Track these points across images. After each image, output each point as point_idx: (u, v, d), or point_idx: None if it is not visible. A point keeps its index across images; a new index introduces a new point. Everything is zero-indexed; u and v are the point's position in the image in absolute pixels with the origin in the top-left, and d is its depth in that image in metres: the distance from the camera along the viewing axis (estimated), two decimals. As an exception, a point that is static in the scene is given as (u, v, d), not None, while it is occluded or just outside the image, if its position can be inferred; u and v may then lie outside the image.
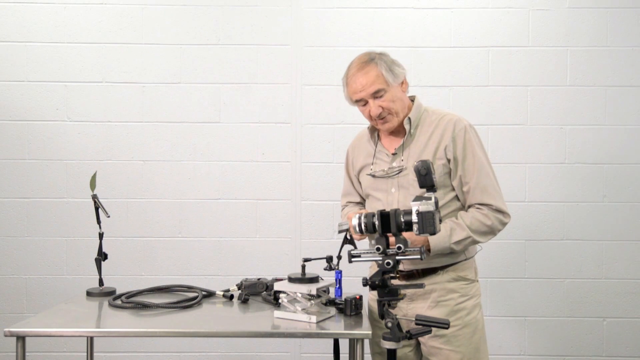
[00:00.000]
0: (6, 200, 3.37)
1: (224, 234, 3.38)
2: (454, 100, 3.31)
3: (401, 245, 1.74)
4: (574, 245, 3.34)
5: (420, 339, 2.13)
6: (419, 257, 1.75)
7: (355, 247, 1.89)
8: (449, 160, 2.09)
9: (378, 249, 1.76)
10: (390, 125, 2.13)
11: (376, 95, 2.08)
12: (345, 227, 2.03)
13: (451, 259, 2.11)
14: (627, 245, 3.34)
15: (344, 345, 2.21)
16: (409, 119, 2.13)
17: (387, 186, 2.14)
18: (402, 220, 1.75)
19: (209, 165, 3.39)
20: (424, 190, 1.76)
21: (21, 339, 1.92)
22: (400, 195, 2.11)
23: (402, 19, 3.37)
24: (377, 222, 1.77)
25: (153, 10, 3.37)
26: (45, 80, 3.37)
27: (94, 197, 2.51)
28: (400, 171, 2.11)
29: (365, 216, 1.80)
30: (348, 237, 2.05)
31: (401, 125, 2.15)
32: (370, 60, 2.10)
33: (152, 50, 3.38)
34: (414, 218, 1.70)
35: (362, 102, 2.12)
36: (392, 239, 1.81)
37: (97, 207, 2.51)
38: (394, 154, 2.16)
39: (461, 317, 2.10)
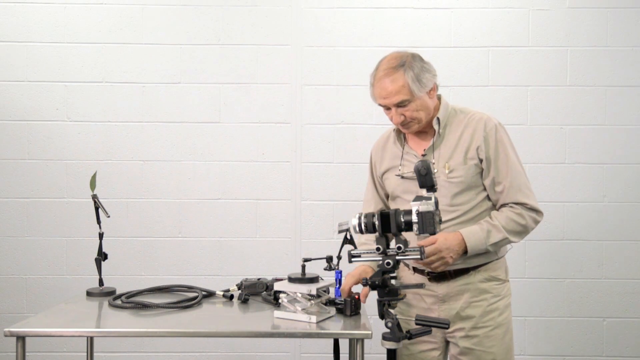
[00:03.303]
0: (6, 200, 3.37)
1: (224, 234, 3.38)
2: (454, 101, 3.27)
3: (401, 245, 1.74)
4: (574, 245, 3.34)
5: (451, 340, 2.13)
6: (419, 257, 1.75)
7: (355, 247, 1.89)
8: (481, 160, 2.07)
9: (378, 249, 1.76)
10: (412, 130, 2.11)
11: (399, 105, 2.04)
12: (345, 227, 2.03)
13: (484, 259, 2.09)
14: (627, 245, 3.34)
15: (344, 345, 2.21)
16: (438, 119, 2.11)
17: (418, 187, 2.10)
18: (402, 220, 1.75)
19: (209, 165, 3.39)
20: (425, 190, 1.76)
21: (21, 339, 1.92)
22: None
23: (402, 19, 3.37)
24: (377, 222, 1.77)
25: (153, 10, 3.38)
26: (45, 80, 3.37)
27: (94, 197, 2.51)
28: None
29: (366, 216, 1.79)
30: (348, 237, 2.05)
31: (428, 126, 2.13)
32: (399, 65, 2.05)
33: (152, 50, 3.38)
34: (414, 218, 1.70)
35: (385, 107, 2.10)
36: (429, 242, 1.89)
37: (97, 207, 2.51)
38: (423, 155, 2.13)
39: (494, 318, 2.09)
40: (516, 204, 2.07)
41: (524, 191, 2.07)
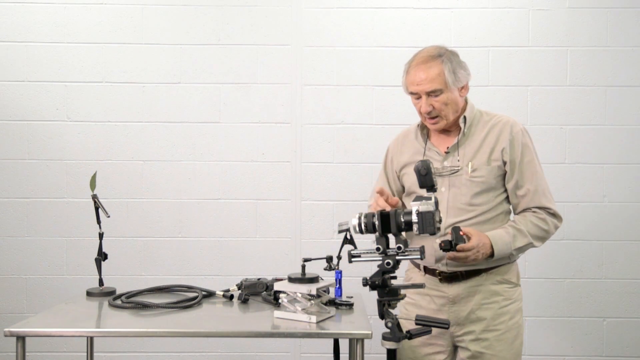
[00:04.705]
0: (6, 200, 3.37)
1: (224, 234, 3.38)
2: (454, 100, 3.31)
3: (401, 245, 1.74)
4: (574, 245, 3.34)
5: (460, 344, 2.12)
6: (419, 257, 1.75)
7: (355, 247, 1.88)
8: (504, 163, 2.08)
9: (378, 249, 1.76)
10: (438, 126, 2.11)
11: (431, 94, 2.05)
12: (345, 227, 2.02)
13: (496, 262, 2.08)
14: (627, 245, 3.34)
15: (344, 345, 2.21)
16: (464, 117, 2.12)
17: (437, 185, 2.10)
18: (402, 220, 1.75)
19: (209, 165, 3.38)
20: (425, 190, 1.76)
21: (21, 339, 1.92)
22: (450, 195, 2.08)
23: (402, 19, 3.37)
24: (377, 222, 1.77)
25: (153, 10, 3.38)
26: (45, 80, 3.37)
27: (94, 197, 2.51)
28: (456, 171, 2.09)
29: (366, 216, 1.79)
30: (348, 237, 2.05)
31: (453, 124, 2.14)
32: (437, 55, 2.07)
33: (152, 50, 3.38)
34: (414, 218, 1.70)
35: (416, 96, 2.10)
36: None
37: (97, 207, 2.51)
38: (446, 153, 2.13)
39: (504, 322, 2.08)
40: (540, 208, 2.08)
41: (547, 196, 2.10)
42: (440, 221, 1.75)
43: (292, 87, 3.38)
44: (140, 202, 3.38)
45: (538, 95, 3.35)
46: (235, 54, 3.38)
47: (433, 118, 2.09)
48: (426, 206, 1.69)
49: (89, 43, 3.38)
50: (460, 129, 2.12)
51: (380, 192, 2.01)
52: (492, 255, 2.01)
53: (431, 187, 1.74)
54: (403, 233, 1.78)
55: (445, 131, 2.17)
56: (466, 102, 2.17)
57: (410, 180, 2.18)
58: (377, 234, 1.78)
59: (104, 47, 3.38)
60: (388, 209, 1.93)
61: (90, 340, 2.50)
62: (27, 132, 3.37)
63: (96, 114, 3.37)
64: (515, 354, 2.10)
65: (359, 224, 1.79)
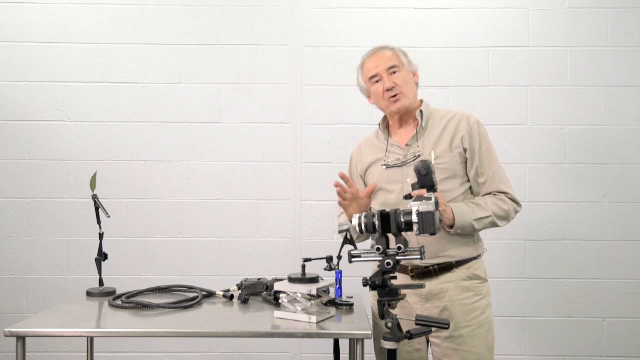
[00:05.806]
0: (6, 200, 3.37)
1: (224, 234, 3.38)
2: (454, 100, 3.31)
3: (401, 245, 1.74)
4: (574, 245, 3.34)
5: (434, 340, 2.13)
6: (418, 257, 1.75)
7: (355, 247, 1.89)
8: (465, 150, 2.14)
9: (378, 249, 1.76)
10: (401, 104, 2.17)
11: (390, 70, 2.18)
12: (345, 227, 2.03)
13: (466, 253, 2.12)
14: (627, 245, 3.34)
15: (344, 345, 2.21)
16: (421, 111, 2.20)
17: (402, 176, 2.15)
18: (402, 220, 1.75)
19: (209, 165, 3.39)
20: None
21: (21, 339, 1.92)
22: None
23: (402, 19, 3.37)
24: (377, 222, 1.77)
25: (153, 10, 3.38)
26: (45, 80, 3.37)
27: (94, 197, 2.51)
28: (417, 157, 2.13)
29: (366, 216, 1.80)
30: (348, 237, 2.05)
31: (412, 118, 2.22)
32: (385, 46, 2.28)
33: (152, 50, 3.38)
34: (414, 218, 1.70)
35: (375, 79, 2.20)
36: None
37: (97, 207, 2.51)
38: (407, 145, 2.18)
39: (476, 317, 2.11)
40: (499, 192, 2.15)
41: (505, 183, 2.17)
42: (440, 221, 1.76)
43: (292, 87, 3.38)
44: (140, 202, 3.38)
45: (538, 95, 3.35)
46: (235, 54, 3.38)
47: (395, 96, 2.16)
48: (426, 206, 1.70)
49: (89, 43, 3.38)
50: (418, 122, 2.20)
51: (342, 176, 2.10)
52: (453, 225, 2.03)
53: (431, 187, 1.74)
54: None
55: (404, 126, 2.23)
56: (421, 101, 2.27)
57: (375, 178, 2.22)
58: (377, 233, 1.78)
59: (104, 47, 3.38)
60: (346, 194, 2.08)
61: (90, 340, 2.50)
62: (27, 132, 3.37)
63: (96, 114, 3.38)
64: (488, 349, 2.13)
65: (359, 224, 1.80)
